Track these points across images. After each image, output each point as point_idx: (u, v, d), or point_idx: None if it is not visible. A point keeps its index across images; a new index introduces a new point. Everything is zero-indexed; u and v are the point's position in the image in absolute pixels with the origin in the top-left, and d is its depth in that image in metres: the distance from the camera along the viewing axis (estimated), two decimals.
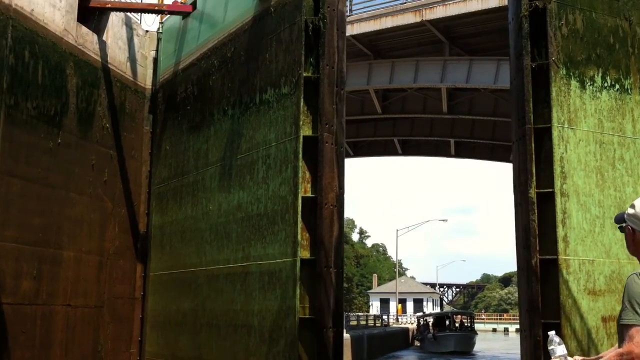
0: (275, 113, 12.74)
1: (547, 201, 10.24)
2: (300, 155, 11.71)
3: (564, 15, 10.81)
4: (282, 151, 12.31)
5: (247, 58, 14.11)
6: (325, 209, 11.41)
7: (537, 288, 9.90)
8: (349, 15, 31.65)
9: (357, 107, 35.70)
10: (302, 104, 11.90)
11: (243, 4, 14.44)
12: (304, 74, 12.02)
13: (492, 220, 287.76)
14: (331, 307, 11.27)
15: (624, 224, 3.79)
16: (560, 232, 10.04)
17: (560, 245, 9.99)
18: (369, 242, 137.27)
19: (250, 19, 14.17)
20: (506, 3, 29.59)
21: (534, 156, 10.35)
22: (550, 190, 10.17)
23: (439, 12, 29.14)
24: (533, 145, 10.33)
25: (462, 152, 40.76)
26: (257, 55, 13.68)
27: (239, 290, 13.29)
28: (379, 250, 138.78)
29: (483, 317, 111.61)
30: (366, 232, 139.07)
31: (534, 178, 10.26)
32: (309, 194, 11.64)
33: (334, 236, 11.49)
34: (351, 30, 31.15)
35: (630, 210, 3.73)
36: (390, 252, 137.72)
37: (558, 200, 10.13)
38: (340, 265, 11.62)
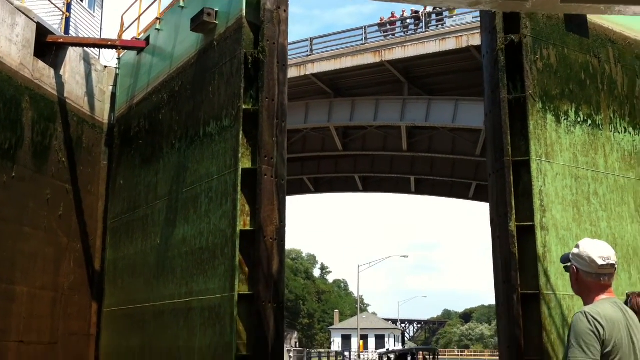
0: (217, 146, 12.65)
1: (526, 235, 10.10)
2: (239, 188, 11.54)
3: (538, 50, 10.88)
4: (223, 184, 12.18)
5: (193, 91, 14.09)
6: (264, 242, 11.19)
7: (520, 324, 9.65)
8: (310, 55, 31.76)
9: (319, 144, 35.73)
10: (241, 136, 11.79)
11: (190, 38, 14.47)
12: (244, 107, 11.96)
13: (453, 256, 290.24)
14: (270, 344, 10.94)
15: (569, 264, 3.91)
16: (541, 266, 9.87)
17: (542, 280, 9.81)
18: (330, 278, 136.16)
19: (195, 53, 14.22)
20: (463, 45, 30.20)
21: (512, 189, 10.22)
22: (531, 223, 10.05)
23: (398, 53, 29.59)
24: (512, 178, 10.21)
25: (422, 189, 41.05)
26: (202, 89, 13.70)
27: (182, 327, 12.94)
28: (341, 286, 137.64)
29: (456, 353, 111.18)
30: (328, 268, 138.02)
31: (514, 211, 10.11)
32: (248, 227, 11.43)
33: (274, 270, 11.25)
34: (312, 68, 31.29)
35: (575, 250, 3.86)
36: (352, 288, 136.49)
37: (538, 233, 10.00)
38: (280, 300, 11.34)
